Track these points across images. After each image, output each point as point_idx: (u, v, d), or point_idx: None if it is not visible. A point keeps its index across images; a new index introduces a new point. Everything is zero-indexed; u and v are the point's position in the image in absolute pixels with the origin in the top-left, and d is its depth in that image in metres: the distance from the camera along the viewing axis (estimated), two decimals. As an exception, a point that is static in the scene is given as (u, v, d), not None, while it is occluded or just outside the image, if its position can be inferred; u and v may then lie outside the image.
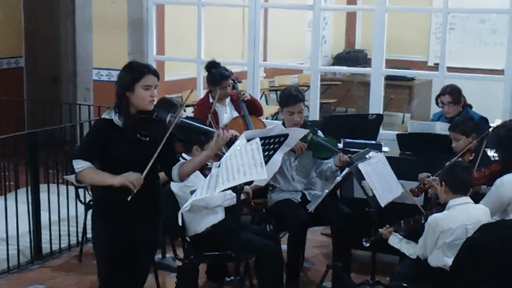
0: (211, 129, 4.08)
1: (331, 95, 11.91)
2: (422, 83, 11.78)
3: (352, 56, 12.81)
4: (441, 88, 6.39)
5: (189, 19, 8.75)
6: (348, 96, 11.77)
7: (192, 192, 4.06)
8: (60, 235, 6.23)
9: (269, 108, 10.18)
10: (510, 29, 6.73)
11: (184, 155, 4.88)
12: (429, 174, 5.25)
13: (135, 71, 3.94)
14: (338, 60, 12.84)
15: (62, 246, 6.30)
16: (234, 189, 3.89)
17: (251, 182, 4.70)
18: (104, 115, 4.02)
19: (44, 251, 6.19)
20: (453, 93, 6.27)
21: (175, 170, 4.09)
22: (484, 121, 6.20)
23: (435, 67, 12.16)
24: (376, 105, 7.18)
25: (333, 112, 11.28)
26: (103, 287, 4.20)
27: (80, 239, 6.34)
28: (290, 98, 5.50)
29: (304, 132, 4.57)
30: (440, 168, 5.04)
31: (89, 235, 6.36)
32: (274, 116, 9.73)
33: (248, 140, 3.75)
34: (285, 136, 4.07)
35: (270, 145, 4.01)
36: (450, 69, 7.20)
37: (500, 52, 11.76)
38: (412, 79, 11.61)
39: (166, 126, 3.92)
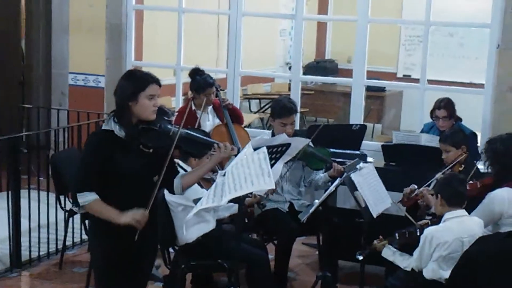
0: (214, 141, 3.98)
1: (302, 104, 11.93)
2: (392, 94, 11.88)
3: (322, 66, 12.80)
4: (436, 101, 6.28)
5: (165, 26, 8.68)
6: (319, 105, 11.82)
7: (196, 201, 4.01)
8: (39, 242, 6.09)
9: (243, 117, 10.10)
10: (491, 43, 6.77)
11: (180, 162, 4.81)
12: (415, 187, 5.27)
13: (139, 80, 3.80)
14: (309, 69, 12.80)
15: (41, 253, 6.15)
16: (237, 199, 3.86)
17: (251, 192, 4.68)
18: (104, 126, 3.83)
19: (23, 259, 6.03)
20: (448, 107, 6.18)
21: (177, 182, 3.97)
22: (474, 136, 6.21)
23: (405, 78, 12.30)
24: (357, 116, 7.19)
25: (304, 122, 11.29)
26: None
27: (60, 246, 6.20)
28: (284, 109, 5.45)
29: (305, 141, 4.55)
30: (428, 179, 5.07)
31: (68, 242, 6.29)
32: (249, 125, 9.68)
33: (255, 149, 3.73)
34: (287, 145, 4.07)
35: (273, 154, 4.01)
36: (417, 80, 7.22)
37: (467, 65, 12.02)
38: (384, 90, 11.70)
39: (170, 137, 3.79)
